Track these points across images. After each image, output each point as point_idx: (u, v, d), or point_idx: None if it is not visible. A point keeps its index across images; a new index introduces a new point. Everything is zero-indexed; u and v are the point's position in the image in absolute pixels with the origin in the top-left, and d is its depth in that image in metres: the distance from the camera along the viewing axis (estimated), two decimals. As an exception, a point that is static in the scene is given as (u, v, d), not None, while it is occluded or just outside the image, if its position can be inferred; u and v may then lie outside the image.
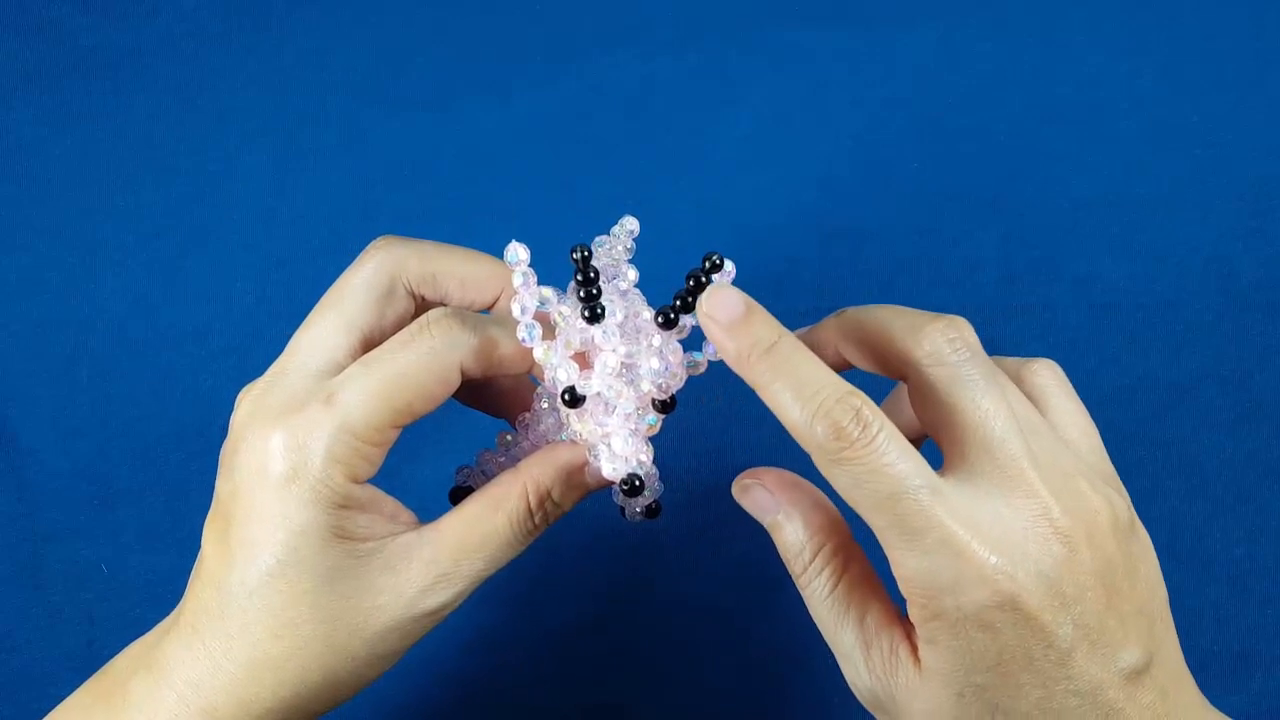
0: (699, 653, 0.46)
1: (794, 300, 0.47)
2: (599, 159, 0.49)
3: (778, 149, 0.48)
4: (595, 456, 0.33)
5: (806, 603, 0.31)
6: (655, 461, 0.35)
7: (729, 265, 0.32)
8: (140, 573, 0.46)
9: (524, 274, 0.31)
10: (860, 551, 0.31)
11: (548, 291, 0.32)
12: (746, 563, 0.46)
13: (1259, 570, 0.46)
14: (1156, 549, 0.47)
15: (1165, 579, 0.46)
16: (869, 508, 0.28)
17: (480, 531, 0.31)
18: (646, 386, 0.32)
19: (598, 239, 0.33)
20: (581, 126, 0.49)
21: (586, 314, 0.31)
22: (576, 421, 0.32)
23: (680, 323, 0.31)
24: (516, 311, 0.31)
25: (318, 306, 0.32)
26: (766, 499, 0.32)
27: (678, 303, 0.31)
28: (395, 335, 0.31)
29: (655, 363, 0.31)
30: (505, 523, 0.32)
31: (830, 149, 0.48)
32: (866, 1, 0.50)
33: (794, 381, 0.29)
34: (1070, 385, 0.33)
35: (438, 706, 0.45)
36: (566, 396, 0.31)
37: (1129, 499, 0.31)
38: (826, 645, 0.47)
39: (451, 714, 0.45)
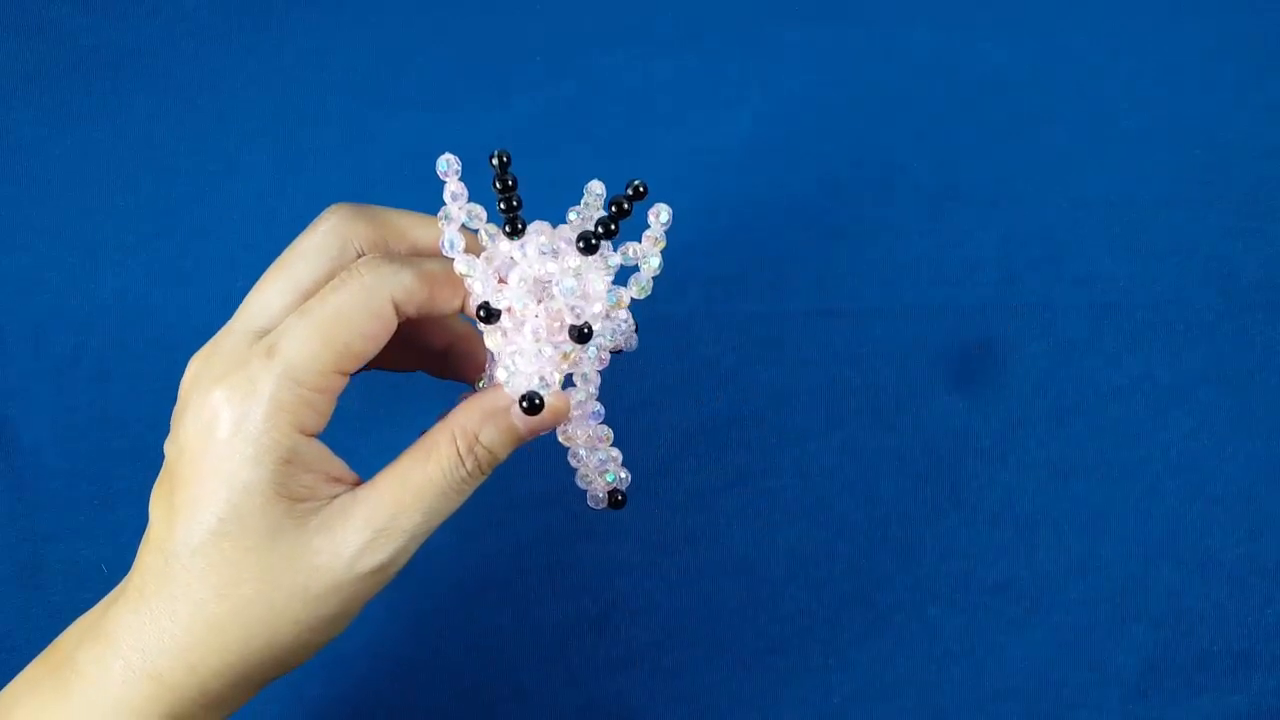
0: (699, 652, 0.46)
1: (794, 300, 0.47)
2: (599, 159, 0.49)
3: (778, 149, 0.48)
4: (499, 368, 0.32)
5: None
6: (616, 445, 0.35)
7: (665, 211, 0.32)
8: (140, 573, 0.46)
9: (454, 186, 0.32)
10: None
11: (479, 209, 0.32)
12: (747, 562, 0.46)
13: (1259, 570, 0.46)
14: (1157, 549, 0.47)
15: (1165, 579, 0.46)
16: None
17: (413, 484, 0.31)
18: (558, 305, 0.31)
19: (572, 210, 0.33)
20: (581, 126, 0.49)
21: (507, 228, 0.31)
22: (489, 339, 0.32)
23: (600, 247, 0.31)
24: (443, 223, 0.32)
25: (268, 270, 0.32)
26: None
27: (598, 228, 0.31)
28: (328, 284, 0.31)
29: (570, 282, 0.31)
30: (437, 472, 0.31)
31: (830, 149, 0.48)
32: (867, 1, 0.50)
33: None
34: None
35: (437, 707, 0.45)
36: (481, 312, 0.31)
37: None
38: (827, 644, 0.47)
39: (451, 714, 0.45)
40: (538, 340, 0.32)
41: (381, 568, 0.31)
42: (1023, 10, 0.49)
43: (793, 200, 0.48)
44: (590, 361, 0.33)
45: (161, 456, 0.47)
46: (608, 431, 0.35)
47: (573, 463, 0.35)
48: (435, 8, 0.49)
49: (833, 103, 0.49)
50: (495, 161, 0.31)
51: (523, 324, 0.32)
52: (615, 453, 0.35)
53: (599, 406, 0.35)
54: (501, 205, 0.31)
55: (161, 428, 0.47)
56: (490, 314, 0.31)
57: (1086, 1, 0.49)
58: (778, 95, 0.49)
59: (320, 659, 0.45)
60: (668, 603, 0.46)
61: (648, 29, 0.49)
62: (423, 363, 0.37)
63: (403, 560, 0.32)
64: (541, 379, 0.32)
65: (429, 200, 0.48)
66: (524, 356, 0.32)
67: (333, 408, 0.31)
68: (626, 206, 0.31)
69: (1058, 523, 0.46)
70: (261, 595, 0.30)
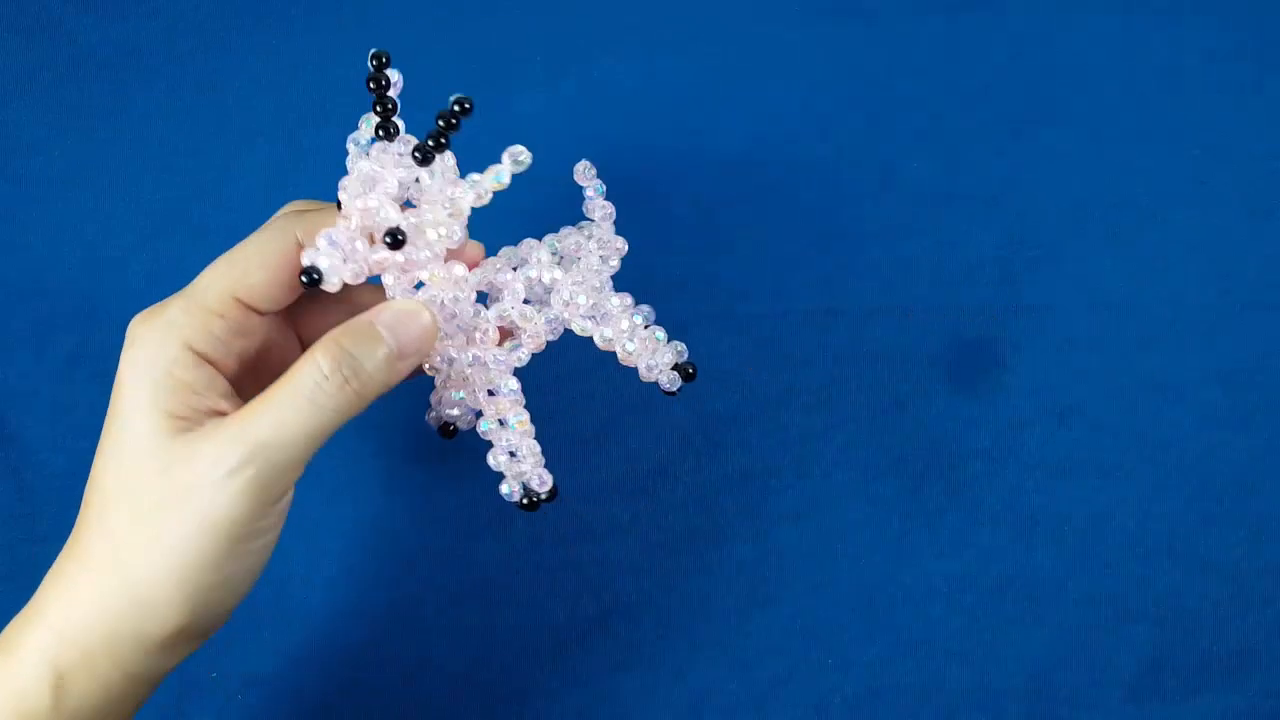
0: (698, 653, 0.46)
1: (794, 300, 0.47)
2: (599, 159, 0.48)
3: (777, 148, 0.48)
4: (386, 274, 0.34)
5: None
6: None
7: (526, 154, 0.34)
8: (140, 573, 0.46)
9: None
10: None
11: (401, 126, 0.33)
12: (746, 563, 0.46)
13: (1259, 570, 0.46)
14: (1157, 549, 0.47)
15: (1165, 578, 0.46)
16: None
17: (275, 397, 0.31)
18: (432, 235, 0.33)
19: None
20: (581, 126, 0.49)
21: (380, 130, 0.32)
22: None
23: (434, 159, 0.32)
24: (362, 127, 0.33)
25: (215, 261, 0.33)
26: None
27: (430, 142, 0.32)
28: None
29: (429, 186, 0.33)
30: (300, 380, 0.31)
31: (830, 149, 0.48)
32: (867, 1, 0.50)
33: None
34: None
35: (437, 707, 0.45)
36: (388, 239, 0.32)
37: None
38: (826, 644, 0.47)
39: (451, 714, 0.45)
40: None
41: (255, 487, 0.30)
42: (1023, 11, 0.49)
43: (793, 200, 0.48)
44: (466, 307, 0.34)
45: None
46: (521, 412, 0.35)
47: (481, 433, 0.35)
48: (435, 8, 0.49)
49: (833, 102, 0.49)
50: (373, 65, 0.32)
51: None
52: (530, 445, 0.35)
53: (514, 382, 0.35)
54: (377, 108, 0.32)
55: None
56: (396, 241, 0.32)
57: (1086, 1, 0.49)
58: (777, 95, 0.49)
59: (320, 659, 0.45)
60: (668, 603, 0.46)
61: (648, 29, 0.49)
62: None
63: (273, 478, 0.31)
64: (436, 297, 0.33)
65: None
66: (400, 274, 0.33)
67: (235, 340, 0.32)
68: (454, 121, 0.33)
69: (1058, 523, 0.46)
70: (139, 518, 0.30)
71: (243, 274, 0.32)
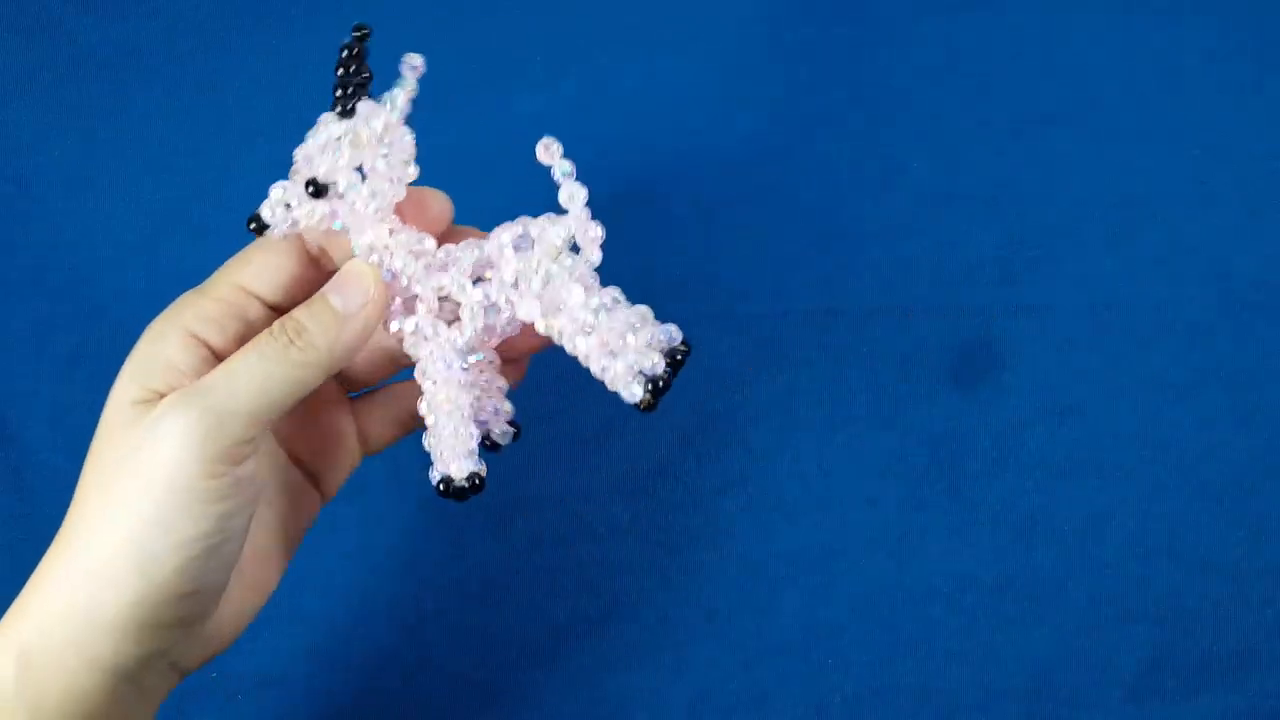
0: (698, 652, 0.46)
1: (794, 300, 0.47)
2: (599, 159, 0.48)
3: (778, 149, 0.48)
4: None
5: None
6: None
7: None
8: (140, 573, 0.46)
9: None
10: None
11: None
12: (747, 562, 0.46)
13: (1259, 570, 0.46)
14: (1157, 549, 0.47)
15: (1165, 579, 0.46)
16: None
17: (230, 361, 0.31)
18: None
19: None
20: (581, 126, 0.49)
21: (338, 106, 0.32)
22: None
23: (356, 111, 0.33)
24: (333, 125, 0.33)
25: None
26: None
27: (337, 91, 0.33)
28: None
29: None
30: (244, 348, 0.31)
31: (830, 149, 0.48)
32: (867, 1, 0.50)
33: None
34: None
35: (438, 706, 0.45)
36: (309, 188, 0.33)
37: None
38: (827, 644, 0.47)
39: (451, 714, 0.45)
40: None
41: (198, 434, 0.29)
42: (1023, 11, 0.49)
43: (793, 200, 0.48)
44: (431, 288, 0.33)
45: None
46: (455, 392, 0.34)
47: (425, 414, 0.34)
48: (435, 8, 0.49)
49: (832, 102, 0.49)
50: (355, 33, 0.32)
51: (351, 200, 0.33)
52: (455, 430, 0.34)
53: (454, 361, 0.34)
54: (345, 88, 0.32)
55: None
56: (319, 190, 0.33)
57: (1086, 1, 0.49)
58: (778, 95, 0.49)
59: (321, 658, 0.45)
60: (668, 603, 0.46)
61: (648, 29, 0.49)
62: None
63: (215, 426, 0.30)
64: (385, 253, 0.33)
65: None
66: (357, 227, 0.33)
67: (231, 324, 0.32)
68: (355, 60, 0.33)
69: (1058, 523, 0.46)
70: (99, 486, 0.30)
71: (245, 261, 0.33)
